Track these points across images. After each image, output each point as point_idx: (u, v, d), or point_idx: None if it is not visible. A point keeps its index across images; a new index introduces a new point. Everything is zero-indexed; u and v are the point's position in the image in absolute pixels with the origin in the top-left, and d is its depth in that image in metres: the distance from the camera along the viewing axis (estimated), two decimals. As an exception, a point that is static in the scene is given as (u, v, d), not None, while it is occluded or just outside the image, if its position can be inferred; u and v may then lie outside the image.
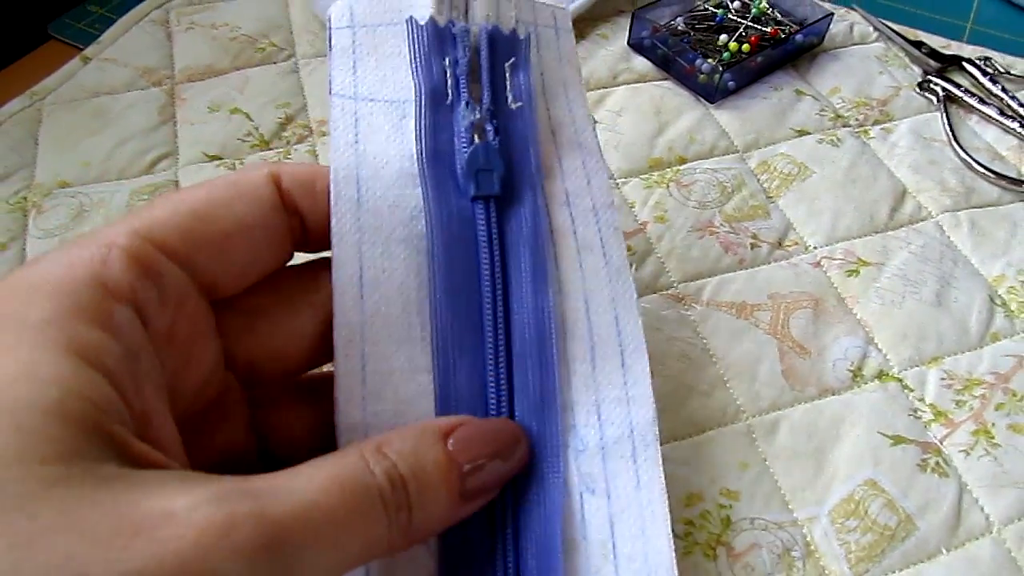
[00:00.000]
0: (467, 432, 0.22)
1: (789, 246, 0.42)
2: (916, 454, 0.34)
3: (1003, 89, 0.51)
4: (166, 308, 0.20)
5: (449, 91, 0.26)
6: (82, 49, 0.53)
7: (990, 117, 0.49)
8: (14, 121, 0.48)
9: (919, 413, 0.36)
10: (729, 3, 0.55)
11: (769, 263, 0.42)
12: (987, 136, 0.49)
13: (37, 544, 0.15)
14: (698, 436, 0.35)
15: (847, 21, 0.57)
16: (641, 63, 0.53)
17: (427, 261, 0.25)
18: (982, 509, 0.33)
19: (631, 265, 0.30)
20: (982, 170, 0.46)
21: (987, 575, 0.31)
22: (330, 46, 0.26)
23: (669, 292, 0.40)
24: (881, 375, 0.37)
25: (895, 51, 0.55)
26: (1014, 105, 0.50)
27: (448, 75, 0.26)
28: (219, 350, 0.23)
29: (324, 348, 0.24)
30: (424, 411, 0.24)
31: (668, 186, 0.45)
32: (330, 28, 0.27)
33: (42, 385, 0.16)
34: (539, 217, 0.26)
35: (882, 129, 0.49)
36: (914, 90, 0.52)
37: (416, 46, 0.26)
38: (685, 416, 0.35)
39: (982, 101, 0.50)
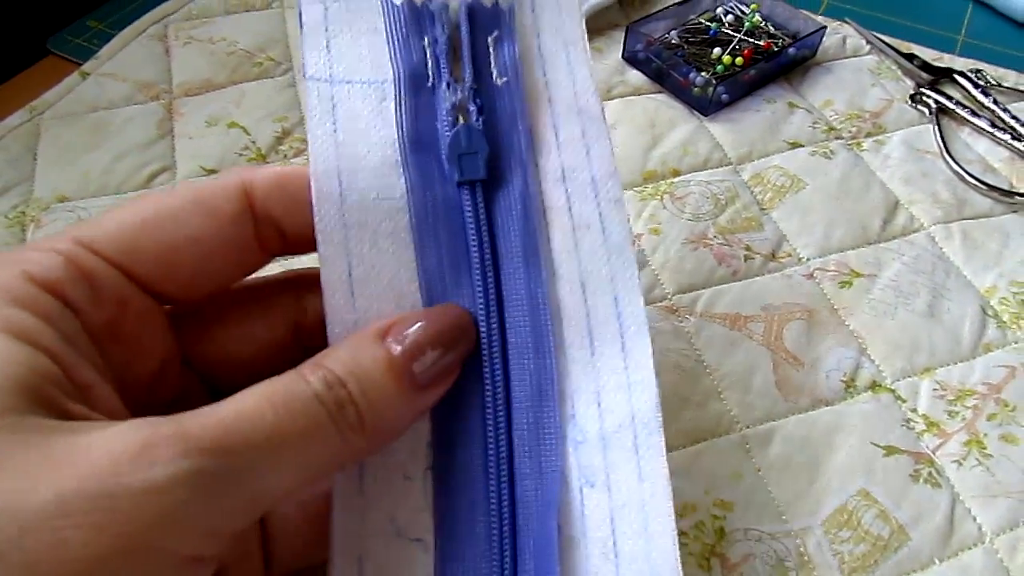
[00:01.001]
0: (404, 324, 0.22)
1: (782, 258, 0.43)
2: (909, 464, 0.34)
3: (995, 101, 0.51)
4: (102, 305, 0.21)
5: (430, 73, 0.25)
6: (81, 64, 0.53)
7: (982, 129, 0.50)
8: (13, 136, 0.48)
9: (912, 423, 0.36)
10: (723, 17, 0.55)
11: (763, 275, 0.42)
12: (979, 148, 0.49)
13: None
14: (692, 447, 0.35)
15: (840, 34, 0.57)
16: (635, 76, 0.53)
17: (415, 253, 0.24)
18: (975, 519, 0.33)
19: (632, 241, 0.28)
20: (974, 182, 0.46)
21: (980, 585, 0.31)
22: (301, 24, 0.25)
23: (663, 304, 0.40)
24: (874, 386, 0.37)
25: (887, 64, 0.56)
26: (1006, 117, 0.50)
27: (428, 55, 0.25)
28: (173, 349, 0.24)
29: (287, 354, 0.25)
30: None
31: (662, 198, 0.45)
32: (300, 2, 0.25)
33: None
34: (530, 198, 0.25)
35: (875, 141, 0.49)
36: (906, 102, 0.52)
37: (392, 27, 0.25)
38: (679, 427, 0.35)
39: (974, 113, 0.50)
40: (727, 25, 0.54)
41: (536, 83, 0.26)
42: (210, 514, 0.18)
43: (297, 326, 0.26)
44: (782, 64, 0.53)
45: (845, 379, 0.37)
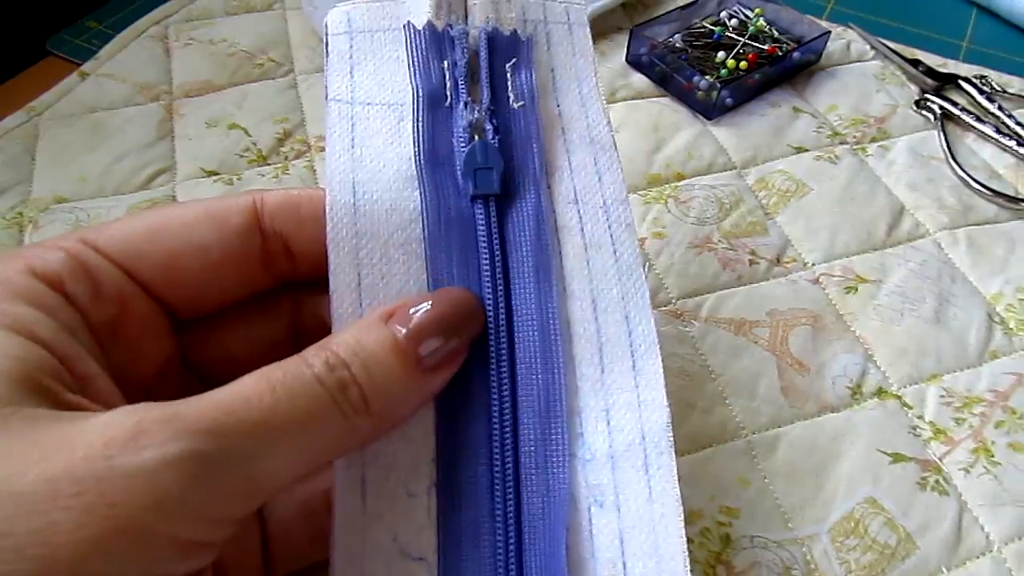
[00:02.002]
0: (410, 306, 0.22)
1: (787, 263, 0.42)
2: (916, 472, 0.34)
3: (1000, 107, 0.51)
4: (103, 303, 0.22)
5: (448, 93, 0.26)
6: (80, 65, 0.53)
7: (987, 135, 0.50)
8: (11, 136, 0.47)
9: (918, 430, 0.35)
10: (727, 21, 0.55)
11: (768, 280, 0.41)
12: (984, 154, 0.49)
13: None
14: (697, 453, 0.34)
15: (844, 39, 0.57)
16: (639, 80, 0.53)
17: (425, 265, 0.24)
18: (982, 528, 0.33)
19: (644, 264, 0.29)
20: (979, 188, 0.46)
21: (988, 594, 0.31)
22: (327, 52, 0.26)
23: (667, 308, 0.40)
24: (880, 392, 0.37)
25: (892, 69, 0.55)
26: (1011, 123, 0.50)
27: (447, 77, 0.26)
28: (174, 351, 0.24)
29: (287, 357, 0.25)
30: (425, 419, 0.23)
31: (666, 202, 0.45)
32: (327, 35, 0.26)
33: None
34: (542, 216, 0.25)
35: (879, 147, 0.49)
36: (911, 108, 0.52)
37: (414, 50, 0.26)
38: (684, 433, 0.35)
39: (979, 119, 0.50)
40: (731, 29, 0.54)
41: (550, 112, 0.27)
42: (206, 497, 0.17)
43: (297, 330, 0.26)
44: (786, 68, 0.53)
45: (851, 385, 0.37)
